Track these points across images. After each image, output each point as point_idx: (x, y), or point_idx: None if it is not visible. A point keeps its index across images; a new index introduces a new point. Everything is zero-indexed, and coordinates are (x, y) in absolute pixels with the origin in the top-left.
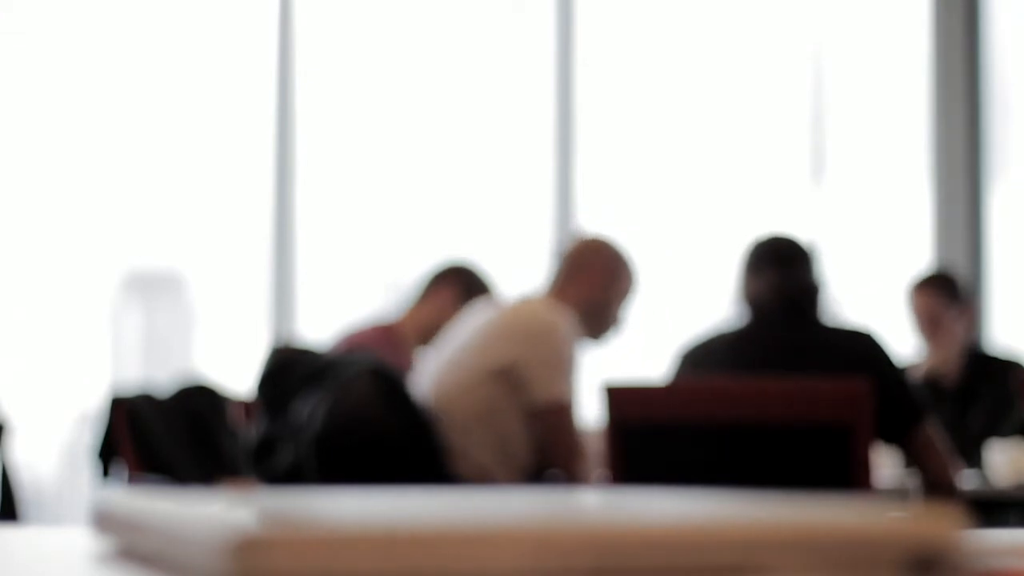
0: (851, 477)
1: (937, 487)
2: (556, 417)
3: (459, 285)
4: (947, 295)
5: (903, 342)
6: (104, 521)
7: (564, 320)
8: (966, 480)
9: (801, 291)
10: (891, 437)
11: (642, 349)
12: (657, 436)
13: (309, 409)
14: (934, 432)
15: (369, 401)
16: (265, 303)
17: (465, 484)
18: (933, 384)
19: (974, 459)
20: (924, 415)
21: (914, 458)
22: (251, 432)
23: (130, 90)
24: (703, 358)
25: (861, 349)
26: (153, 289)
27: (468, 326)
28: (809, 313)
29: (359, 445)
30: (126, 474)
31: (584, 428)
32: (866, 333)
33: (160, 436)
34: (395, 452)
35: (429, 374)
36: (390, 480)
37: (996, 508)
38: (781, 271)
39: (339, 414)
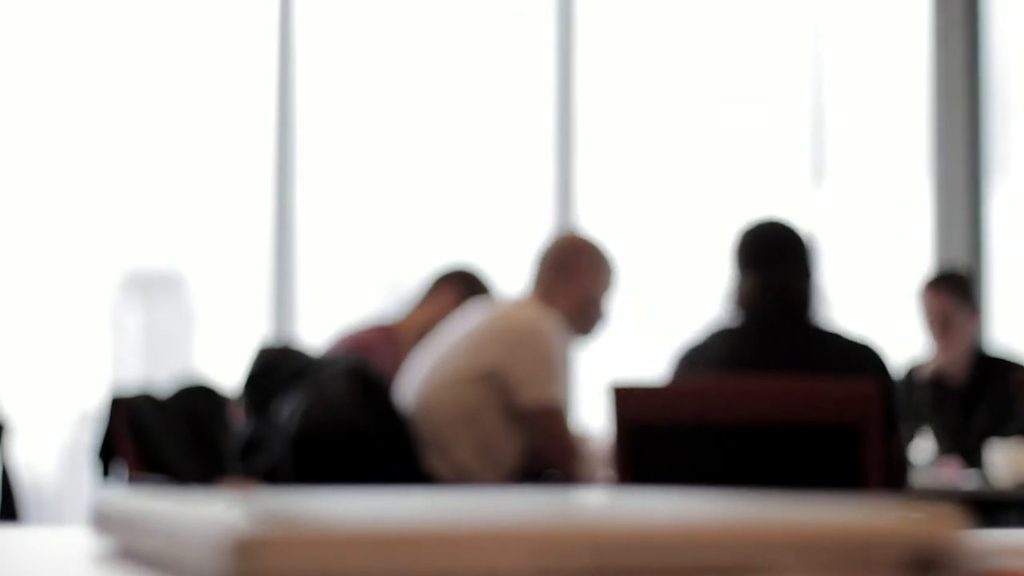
0: (859, 478)
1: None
2: (547, 419)
3: (461, 288)
4: (959, 295)
5: (905, 342)
6: (104, 521)
7: (549, 323)
8: (967, 480)
9: (792, 291)
10: None
11: (642, 349)
12: (665, 436)
13: (289, 409)
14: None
15: (344, 402)
16: (265, 303)
17: (446, 483)
18: (938, 384)
19: (977, 459)
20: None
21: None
22: (238, 431)
23: (130, 90)
24: (701, 358)
25: (856, 354)
26: (153, 289)
27: (459, 327)
28: (802, 312)
29: (333, 445)
30: (126, 474)
31: (580, 429)
32: (862, 342)
33: (160, 436)
34: (368, 452)
35: (418, 373)
36: (365, 479)
37: (996, 508)
38: (771, 268)
39: (314, 414)
